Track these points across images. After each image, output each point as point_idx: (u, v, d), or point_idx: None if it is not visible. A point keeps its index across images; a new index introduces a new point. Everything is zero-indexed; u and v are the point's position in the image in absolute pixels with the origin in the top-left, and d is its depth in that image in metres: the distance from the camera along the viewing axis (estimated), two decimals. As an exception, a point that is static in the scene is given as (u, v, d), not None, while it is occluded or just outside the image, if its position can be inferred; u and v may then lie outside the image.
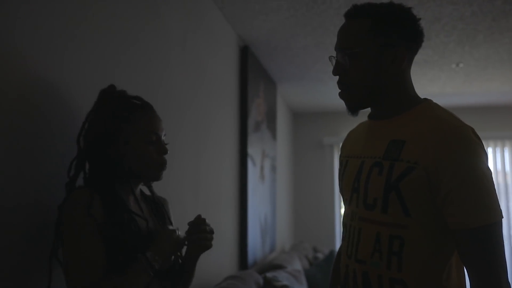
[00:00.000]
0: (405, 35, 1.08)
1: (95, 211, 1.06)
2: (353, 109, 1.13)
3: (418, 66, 3.65)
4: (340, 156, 1.28)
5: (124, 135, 1.15)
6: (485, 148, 1.03)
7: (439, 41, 3.06)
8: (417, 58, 3.33)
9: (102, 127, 1.14)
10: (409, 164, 1.01)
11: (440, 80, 4.06)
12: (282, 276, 2.70)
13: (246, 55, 3.05)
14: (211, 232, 1.25)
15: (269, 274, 2.59)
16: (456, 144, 0.98)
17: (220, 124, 2.61)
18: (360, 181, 1.11)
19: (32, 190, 1.11)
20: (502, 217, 0.99)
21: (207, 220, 1.25)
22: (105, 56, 1.43)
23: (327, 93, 4.59)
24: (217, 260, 2.49)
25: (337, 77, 1.14)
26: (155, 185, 1.76)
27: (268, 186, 3.73)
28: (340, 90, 1.14)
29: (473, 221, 0.96)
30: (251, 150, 3.10)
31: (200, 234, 1.22)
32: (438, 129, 1.01)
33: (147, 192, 1.36)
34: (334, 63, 1.13)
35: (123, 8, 1.55)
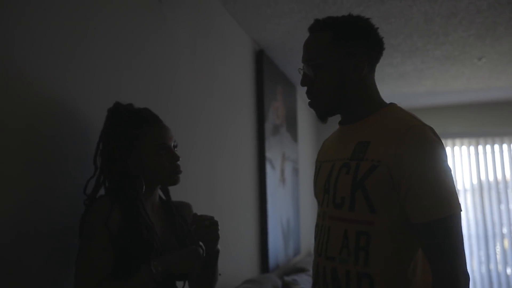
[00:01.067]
0: (365, 44, 1.17)
1: (113, 221, 1.14)
2: (322, 117, 1.21)
3: (439, 63, 3.58)
4: (316, 163, 1.35)
5: (135, 151, 1.23)
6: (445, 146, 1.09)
7: (458, 36, 2.98)
8: (437, 54, 3.32)
9: (114, 147, 1.22)
10: (373, 162, 1.08)
11: (463, 75, 3.96)
12: (302, 279, 2.69)
13: (261, 59, 3.06)
14: (215, 224, 1.26)
15: (288, 278, 2.59)
16: (414, 142, 1.05)
17: (236, 129, 2.63)
18: (330, 182, 1.18)
19: (56, 202, 1.16)
20: (461, 210, 1.05)
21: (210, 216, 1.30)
22: (113, 65, 1.46)
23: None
24: (237, 264, 2.50)
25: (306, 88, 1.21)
26: (170, 189, 1.78)
27: (290, 189, 3.72)
28: (309, 100, 1.21)
29: (432, 214, 1.02)
30: (270, 153, 3.10)
31: (205, 230, 1.25)
32: (398, 129, 1.08)
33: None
34: (302, 74, 1.21)
35: (128, 17, 1.58)
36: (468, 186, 5.20)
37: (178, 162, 1.28)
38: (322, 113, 1.20)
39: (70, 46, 1.28)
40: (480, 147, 5.23)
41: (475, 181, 5.19)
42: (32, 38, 1.15)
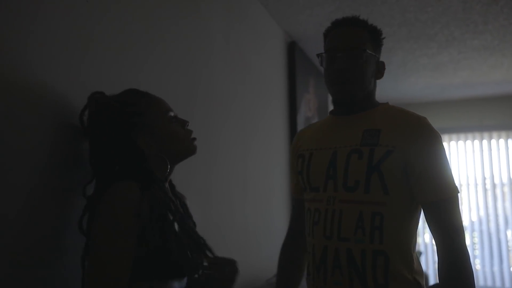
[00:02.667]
0: (380, 53, 1.31)
1: (143, 210, 0.99)
2: (348, 103, 1.26)
3: (477, 53, 3.46)
4: (298, 151, 1.37)
5: (145, 128, 1.11)
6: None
7: (498, 24, 2.88)
8: (475, 44, 3.22)
9: (120, 133, 1.08)
10: (388, 148, 1.19)
11: (502, 66, 3.82)
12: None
13: (293, 51, 3.04)
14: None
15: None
16: (426, 131, 1.20)
17: (268, 121, 2.62)
18: (337, 167, 1.23)
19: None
20: (459, 192, 1.20)
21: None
22: (146, 54, 1.48)
23: (380, 86, 4.47)
24: (269, 255, 2.51)
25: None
26: (202, 181, 1.80)
27: (321, 182, 3.68)
28: (339, 85, 1.25)
29: (442, 194, 1.17)
30: (302, 146, 3.08)
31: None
32: (408, 120, 1.22)
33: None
34: (324, 61, 1.28)
35: (162, 8, 1.60)
36: (506, 181, 5.04)
37: (189, 128, 1.19)
38: (351, 99, 1.25)
39: (106, 38, 1.29)
40: (519, 140, 5.05)
41: (513, 176, 5.02)
42: (52, 27, 1.15)
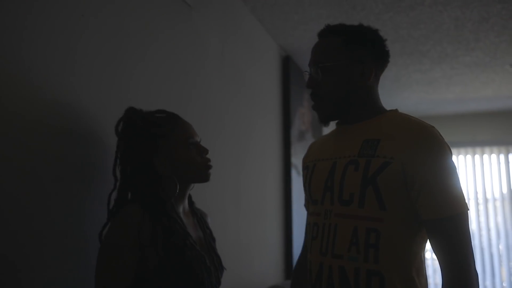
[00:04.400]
0: (373, 53, 1.20)
1: (144, 232, 1.07)
2: (325, 120, 1.22)
3: (469, 69, 3.51)
4: (305, 163, 1.34)
5: (162, 150, 1.18)
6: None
7: (489, 42, 2.92)
8: (467, 60, 3.26)
9: (138, 150, 1.16)
10: (385, 159, 1.09)
11: (494, 82, 3.88)
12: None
13: (287, 65, 3.07)
14: None
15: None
16: (429, 141, 1.08)
17: (262, 134, 2.64)
18: (334, 179, 1.17)
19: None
20: (468, 209, 1.07)
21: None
22: (141, 68, 1.49)
23: (375, 100, 4.51)
24: (262, 269, 2.50)
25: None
26: (196, 195, 1.80)
27: (315, 196, 3.69)
28: (313, 103, 1.22)
29: (446, 210, 1.05)
30: (295, 159, 3.10)
31: None
32: (410, 128, 1.12)
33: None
34: (307, 78, 1.23)
35: (156, 21, 1.61)
36: (497, 195, 5.07)
37: (208, 156, 1.25)
38: (325, 116, 1.22)
39: (102, 51, 1.31)
40: (510, 156, 5.09)
41: (505, 191, 5.05)
42: (55, 44, 1.17)
